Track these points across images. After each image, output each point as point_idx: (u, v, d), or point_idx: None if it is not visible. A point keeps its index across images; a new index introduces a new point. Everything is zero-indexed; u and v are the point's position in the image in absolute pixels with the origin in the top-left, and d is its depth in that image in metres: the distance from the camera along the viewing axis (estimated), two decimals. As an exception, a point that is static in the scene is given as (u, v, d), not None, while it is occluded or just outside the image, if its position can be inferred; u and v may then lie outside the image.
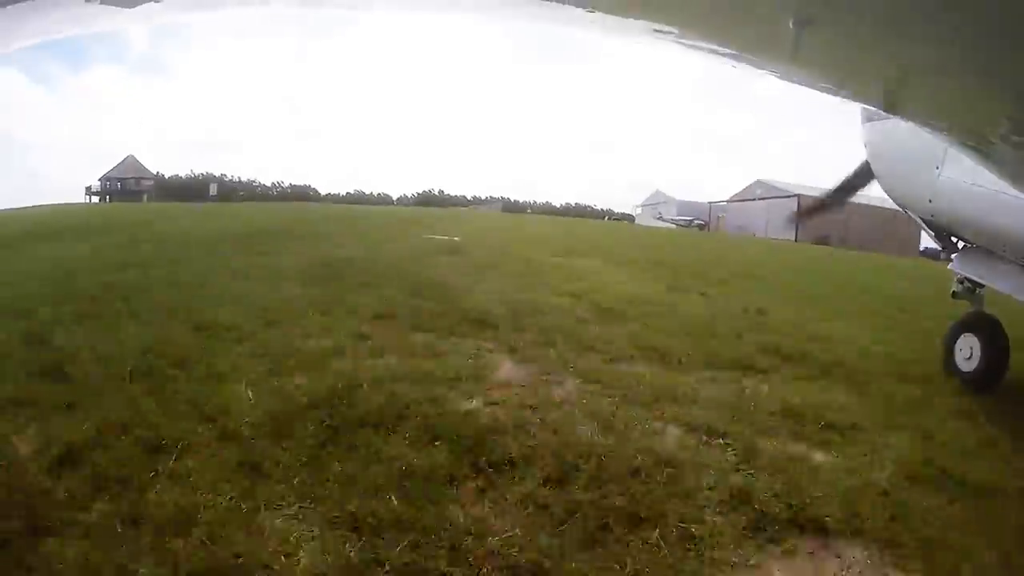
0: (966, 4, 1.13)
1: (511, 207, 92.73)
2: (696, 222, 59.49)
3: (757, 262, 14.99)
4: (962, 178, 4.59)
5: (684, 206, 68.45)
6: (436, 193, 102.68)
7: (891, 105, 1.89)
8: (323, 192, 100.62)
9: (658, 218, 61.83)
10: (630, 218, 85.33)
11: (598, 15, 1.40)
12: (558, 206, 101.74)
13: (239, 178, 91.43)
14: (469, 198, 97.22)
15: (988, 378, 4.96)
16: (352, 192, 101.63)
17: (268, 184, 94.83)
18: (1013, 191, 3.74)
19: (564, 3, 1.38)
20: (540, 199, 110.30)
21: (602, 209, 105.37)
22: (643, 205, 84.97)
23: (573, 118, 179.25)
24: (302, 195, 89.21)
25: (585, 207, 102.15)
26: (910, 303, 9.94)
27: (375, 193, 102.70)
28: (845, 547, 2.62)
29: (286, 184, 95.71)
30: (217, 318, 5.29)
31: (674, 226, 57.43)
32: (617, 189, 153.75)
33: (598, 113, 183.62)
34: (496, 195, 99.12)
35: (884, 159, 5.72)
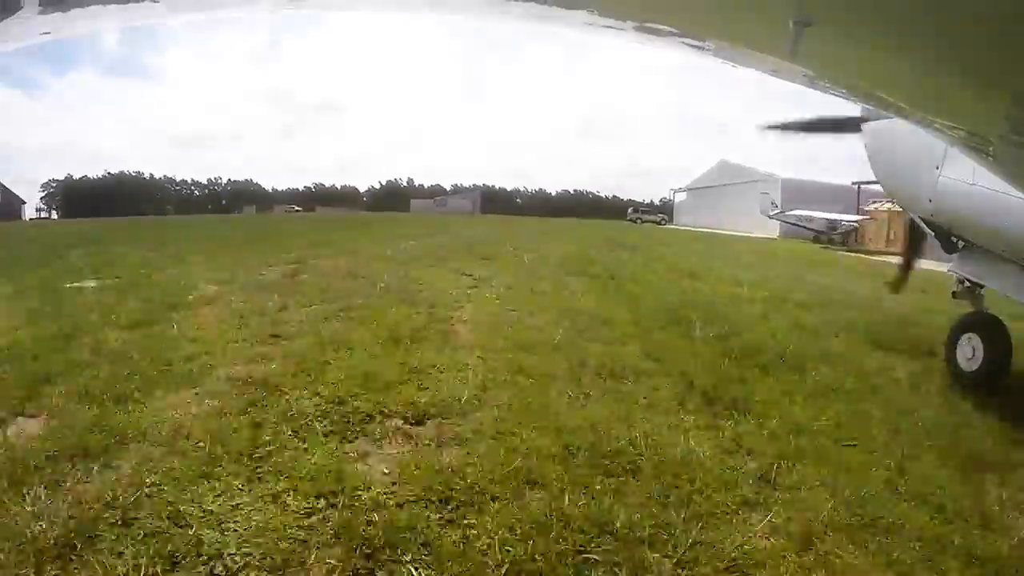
0: (966, 4, 1.12)
1: (494, 198, 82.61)
2: (843, 224, 31.10)
3: None
4: (962, 178, 4.58)
5: (795, 188, 37.49)
6: (404, 183, 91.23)
7: (891, 105, 1.88)
8: (270, 188, 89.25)
9: (773, 214, 35.89)
10: (651, 210, 61.36)
11: (596, 15, 1.39)
12: (553, 194, 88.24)
13: (149, 175, 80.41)
14: (447, 188, 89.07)
15: (991, 378, 4.95)
16: (312, 186, 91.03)
17: (204, 182, 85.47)
18: (1013, 191, 3.74)
19: (560, 4, 1.37)
20: (532, 186, 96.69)
21: (605, 197, 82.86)
22: (690, 188, 57.33)
23: (571, 98, 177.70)
24: (242, 194, 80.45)
25: (586, 195, 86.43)
26: None
27: (337, 186, 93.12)
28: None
29: (224, 180, 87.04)
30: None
31: (790, 233, 33.08)
32: (621, 175, 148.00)
33: (596, 93, 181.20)
34: (477, 183, 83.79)
35: (884, 159, 5.72)
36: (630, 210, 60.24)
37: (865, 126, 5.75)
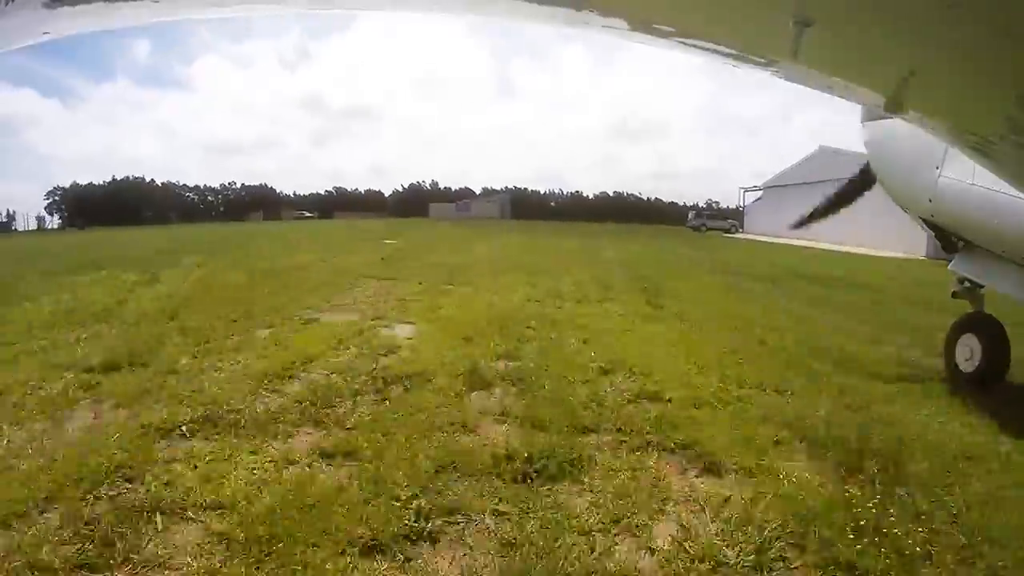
0: (966, 3, 1.12)
1: (525, 201, 75.82)
2: None
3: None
4: (962, 178, 4.59)
5: None
6: (428, 186, 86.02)
7: (891, 105, 1.89)
8: (292, 192, 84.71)
9: None
10: (718, 215, 51.30)
11: (597, 15, 1.39)
12: (590, 197, 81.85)
13: (151, 179, 75.80)
14: (477, 192, 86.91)
15: (989, 378, 4.97)
16: (332, 191, 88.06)
17: (217, 187, 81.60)
18: (1013, 191, 3.74)
19: (559, 3, 1.38)
20: (568, 189, 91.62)
21: (648, 199, 75.73)
22: (769, 187, 43.44)
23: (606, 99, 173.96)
24: (252, 200, 77.81)
25: (628, 197, 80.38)
26: None
27: (360, 190, 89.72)
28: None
29: (238, 185, 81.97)
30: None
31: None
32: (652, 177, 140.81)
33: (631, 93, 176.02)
34: (507, 186, 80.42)
35: (884, 159, 5.73)
36: (691, 215, 50.38)
37: (865, 125, 5.76)
